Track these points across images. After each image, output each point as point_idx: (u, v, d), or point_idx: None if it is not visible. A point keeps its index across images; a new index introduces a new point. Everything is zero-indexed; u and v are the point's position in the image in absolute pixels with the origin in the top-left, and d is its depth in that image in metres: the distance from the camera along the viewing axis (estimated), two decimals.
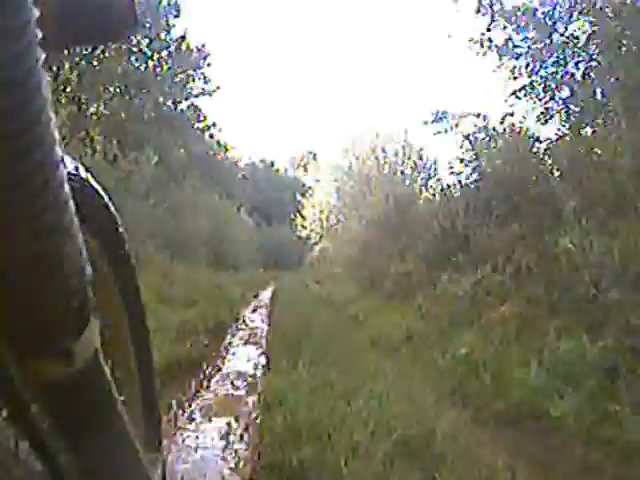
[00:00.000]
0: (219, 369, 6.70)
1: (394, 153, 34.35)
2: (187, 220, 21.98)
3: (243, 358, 7.33)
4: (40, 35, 0.51)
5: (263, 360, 7.27)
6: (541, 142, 8.54)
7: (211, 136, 30.95)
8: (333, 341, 6.28)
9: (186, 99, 25.38)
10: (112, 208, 1.02)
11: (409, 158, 34.47)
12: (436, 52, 55.50)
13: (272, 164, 49.29)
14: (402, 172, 34.01)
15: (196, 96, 25.57)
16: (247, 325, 10.43)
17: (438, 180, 27.91)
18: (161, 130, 23.13)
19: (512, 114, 8.88)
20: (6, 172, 0.49)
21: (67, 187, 0.57)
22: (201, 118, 26.89)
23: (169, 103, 24.69)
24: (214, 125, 28.00)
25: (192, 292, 12.08)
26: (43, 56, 0.52)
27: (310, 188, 37.13)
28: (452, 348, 4.55)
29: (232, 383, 6.01)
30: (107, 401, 0.80)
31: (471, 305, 5.23)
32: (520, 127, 8.82)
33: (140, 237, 15.96)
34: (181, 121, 24.82)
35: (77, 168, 0.85)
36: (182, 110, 25.18)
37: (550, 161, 7.54)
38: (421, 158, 34.79)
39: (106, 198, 0.98)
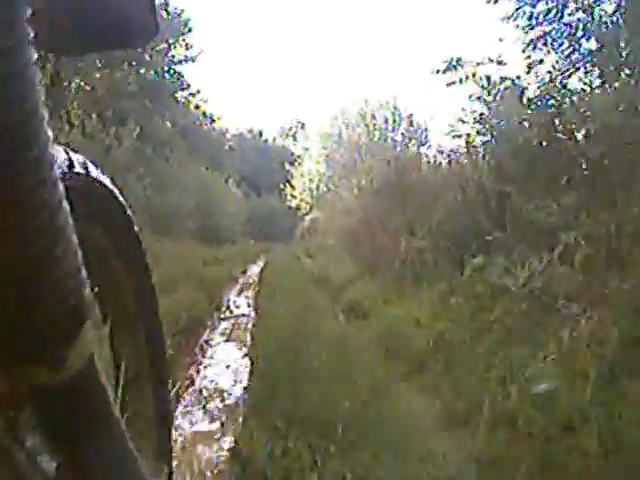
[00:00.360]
0: (191, 382, 5.17)
1: (384, 120, 33.39)
2: (173, 193, 20.62)
3: (222, 363, 5.79)
4: (32, 33, 0.50)
5: (246, 365, 5.82)
6: (574, 95, 6.92)
7: (197, 107, 30.07)
8: (332, 348, 4.75)
9: (169, 70, 24.00)
10: (126, 207, 0.97)
11: (399, 125, 33.61)
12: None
13: (260, 134, 47.41)
14: (393, 139, 33.03)
15: (179, 63, 24.21)
16: (231, 312, 8.92)
17: (429, 147, 27.03)
18: (143, 101, 22.08)
19: (542, 61, 7.21)
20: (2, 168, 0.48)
21: (61, 186, 0.55)
22: (184, 86, 25.44)
23: (151, 72, 23.49)
24: (198, 92, 26.63)
25: (174, 271, 10.59)
26: (35, 55, 0.50)
27: (299, 157, 35.74)
28: (515, 374, 3.01)
29: (204, 408, 4.48)
30: (102, 409, 0.74)
31: (532, 306, 3.65)
32: (550, 77, 7.18)
33: None
34: (164, 90, 23.48)
35: (86, 166, 0.85)
36: (164, 77, 23.73)
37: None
38: (412, 124, 33.85)
39: (120, 197, 0.95)
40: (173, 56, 23.92)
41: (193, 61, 23.49)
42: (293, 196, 33.74)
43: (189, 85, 25.61)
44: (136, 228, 1.04)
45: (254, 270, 16.90)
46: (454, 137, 8.10)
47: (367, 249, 8.54)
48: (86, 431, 0.72)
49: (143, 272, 1.10)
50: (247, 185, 37.97)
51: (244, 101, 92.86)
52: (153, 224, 17.06)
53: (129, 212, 1.01)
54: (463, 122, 7.71)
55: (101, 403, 0.73)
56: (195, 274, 10.72)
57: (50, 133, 0.53)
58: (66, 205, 0.56)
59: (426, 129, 33.61)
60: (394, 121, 33.50)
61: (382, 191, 8.71)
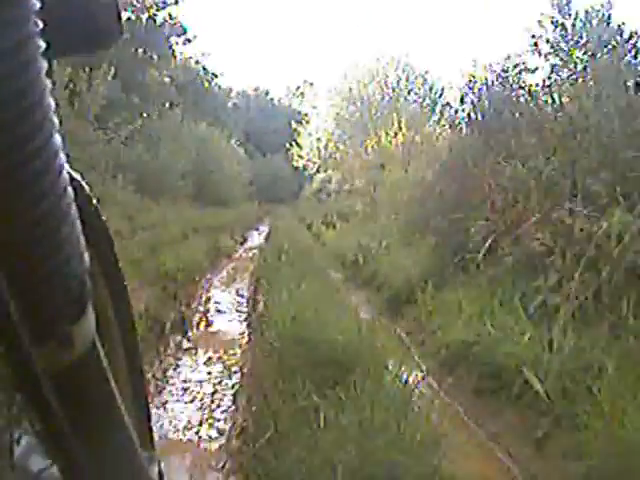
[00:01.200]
0: None
1: (396, 78, 29.60)
2: (167, 150, 16.63)
3: None
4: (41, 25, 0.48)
5: None
6: None
7: (197, 62, 26.19)
8: None
9: (164, 6, 19.87)
10: (98, 205, 0.85)
11: (412, 83, 29.86)
12: None
13: (266, 93, 42.67)
14: (405, 98, 29.34)
15: (175, 3, 20.03)
16: (208, 325, 4.78)
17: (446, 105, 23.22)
18: (134, 50, 18.13)
19: None
20: (9, 155, 0.46)
21: (65, 173, 0.54)
22: (179, 31, 21.18)
23: (143, 17, 19.36)
24: (195, 38, 22.28)
25: (152, 247, 6.53)
26: (43, 45, 0.48)
27: (306, 115, 31.50)
28: None
29: None
30: (105, 393, 0.69)
31: None
32: None
33: (99, 170, 11.42)
34: (158, 37, 19.36)
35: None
36: (155, 21, 19.57)
37: None
38: (425, 82, 30.03)
39: (93, 198, 0.82)
40: None
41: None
42: (300, 156, 29.72)
43: (185, 30, 21.25)
44: (108, 229, 0.85)
45: (254, 240, 12.75)
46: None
47: (451, 222, 4.33)
48: (92, 416, 0.66)
49: (119, 282, 0.93)
50: (252, 145, 33.66)
51: (250, 59, 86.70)
52: (141, 185, 13.30)
53: (101, 212, 0.83)
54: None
55: (105, 388, 0.68)
56: (171, 257, 6.53)
57: (56, 121, 0.49)
58: (70, 192, 0.53)
59: (442, 88, 29.52)
60: (407, 79, 29.71)
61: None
